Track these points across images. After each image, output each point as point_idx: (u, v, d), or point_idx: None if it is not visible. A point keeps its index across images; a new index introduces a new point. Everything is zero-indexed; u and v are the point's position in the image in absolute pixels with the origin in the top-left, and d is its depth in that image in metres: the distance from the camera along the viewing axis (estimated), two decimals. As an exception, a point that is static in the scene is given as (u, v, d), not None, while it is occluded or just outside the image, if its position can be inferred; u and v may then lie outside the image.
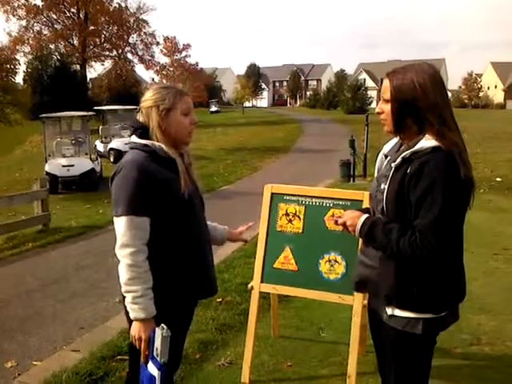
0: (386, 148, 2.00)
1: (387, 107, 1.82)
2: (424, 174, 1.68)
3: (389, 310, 1.85)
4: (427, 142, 1.72)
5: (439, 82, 1.78)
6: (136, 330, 1.92)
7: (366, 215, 1.88)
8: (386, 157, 1.97)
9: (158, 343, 1.84)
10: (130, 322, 2.05)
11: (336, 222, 1.95)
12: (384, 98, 1.83)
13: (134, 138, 2.02)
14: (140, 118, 2.04)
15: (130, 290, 1.89)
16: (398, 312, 1.82)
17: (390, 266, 1.80)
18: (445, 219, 1.67)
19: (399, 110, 1.78)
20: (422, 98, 1.73)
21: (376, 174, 2.01)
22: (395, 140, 1.97)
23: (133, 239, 1.88)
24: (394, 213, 1.77)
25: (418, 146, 1.73)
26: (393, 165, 1.78)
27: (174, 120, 2.00)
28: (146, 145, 1.97)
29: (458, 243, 1.82)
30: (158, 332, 1.85)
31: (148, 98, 2.02)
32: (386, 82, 1.82)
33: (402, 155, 1.76)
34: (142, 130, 2.01)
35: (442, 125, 1.73)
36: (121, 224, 1.89)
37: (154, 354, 1.87)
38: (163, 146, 1.96)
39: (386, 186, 1.78)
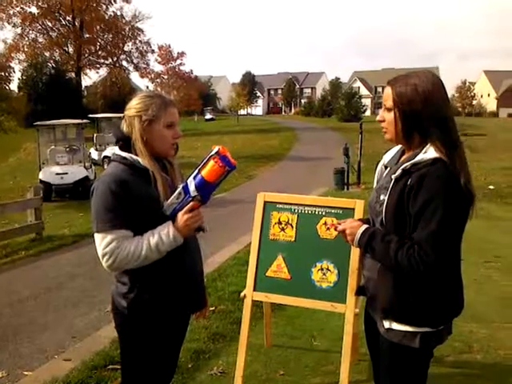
0: (386, 158, 1.96)
1: (389, 115, 1.78)
2: (424, 186, 1.64)
3: (386, 324, 1.82)
4: (428, 153, 1.68)
5: (442, 91, 1.74)
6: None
7: (365, 225, 1.84)
8: (385, 167, 1.94)
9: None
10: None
11: (335, 229, 1.93)
12: (386, 106, 1.79)
13: (117, 150, 1.96)
14: (124, 126, 1.96)
15: (146, 257, 1.84)
16: (395, 325, 1.79)
17: (388, 278, 1.77)
18: (444, 232, 1.64)
19: (401, 118, 1.74)
20: (424, 106, 1.69)
21: (375, 185, 1.96)
22: (395, 150, 1.94)
23: (110, 248, 1.85)
24: (393, 225, 1.74)
25: (418, 158, 1.68)
26: (393, 176, 1.74)
27: (156, 132, 1.91)
28: (124, 157, 1.91)
29: (457, 256, 1.78)
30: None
31: (132, 107, 1.94)
32: (388, 90, 1.77)
33: (402, 167, 1.71)
34: (123, 142, 1.94)
35: (444, 134, 1.69)
36: (97, 240, 1.86)
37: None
38: (140, 159, 1.88)
39: (386, 198, 1.75)
